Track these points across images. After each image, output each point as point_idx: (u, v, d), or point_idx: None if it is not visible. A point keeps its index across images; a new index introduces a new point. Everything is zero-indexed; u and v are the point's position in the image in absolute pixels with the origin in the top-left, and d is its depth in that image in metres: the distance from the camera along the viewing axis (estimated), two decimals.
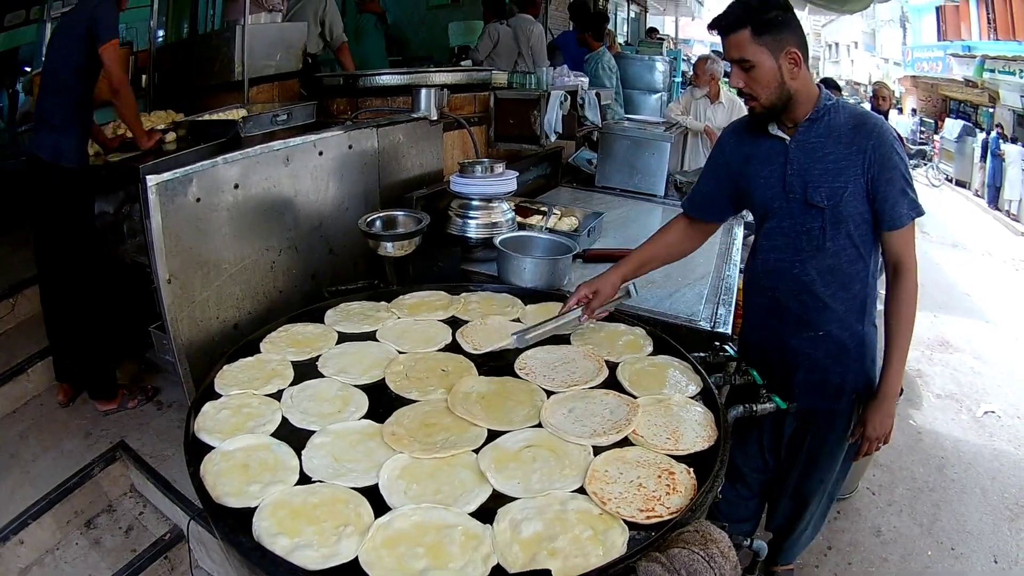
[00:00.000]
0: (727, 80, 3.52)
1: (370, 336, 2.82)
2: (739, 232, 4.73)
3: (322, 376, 2.50)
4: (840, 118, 2.59)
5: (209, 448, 2.05)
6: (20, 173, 4.15)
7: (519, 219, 4.22)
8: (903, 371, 2.78)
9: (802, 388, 2.84)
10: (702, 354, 2.75)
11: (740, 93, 2.66)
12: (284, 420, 2.21)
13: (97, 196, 4.50)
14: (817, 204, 2.59)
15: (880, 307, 2.80)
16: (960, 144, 22.43)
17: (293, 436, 2.11)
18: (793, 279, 2.72)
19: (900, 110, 27.91)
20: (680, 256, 3.09)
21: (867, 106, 10.61)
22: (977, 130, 22.22)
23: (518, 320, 3.00)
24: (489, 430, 2.18)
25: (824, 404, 2.89)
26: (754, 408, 2.50)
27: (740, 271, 3.84)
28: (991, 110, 23.15)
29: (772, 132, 2.68)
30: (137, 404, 4.53)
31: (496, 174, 3.85)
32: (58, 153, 4.00)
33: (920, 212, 2.60)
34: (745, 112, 2.78)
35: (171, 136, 4.59)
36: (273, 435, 2.12)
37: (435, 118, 4.52)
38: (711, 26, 2.58)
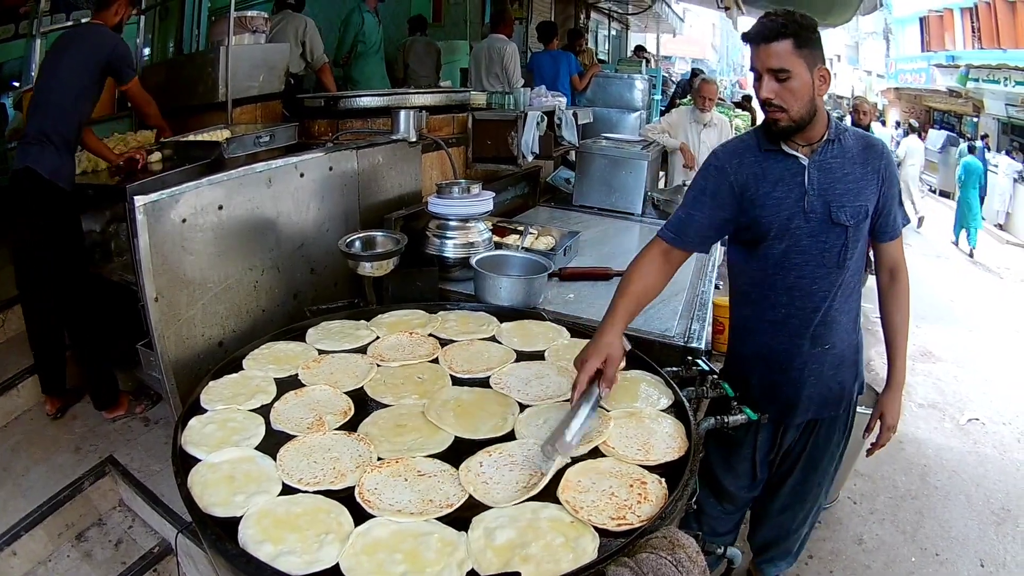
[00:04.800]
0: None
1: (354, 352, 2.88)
2: (717, 249, 4.76)
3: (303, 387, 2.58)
4: (849, 140, 2.65)
5: (196, 460, 2.10)
6: (5, 189, 4.22)
7: (496, 239, 4.24)
8: (906, 359, 2.95)
9: (807, 403, 2.89)
10: (675, 368, 2.79)
11: (766, 105, 2.54)
12: (267, 433, 2.26)
13: (84, 215, 4.56)
14: (842, 223, 2.61)
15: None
16: (944, 155, 22.51)
17: (277, 449, 2.15)
18: (810, 296, 2.71)
19: (883, 123, 27.97)
20: (660, 292, 2.86)
21: (848, 120, 10.68)
22: (961, 140, 22.26)
23: (494, 338, 3.03)
24: (456, 436, 2.27)
25: (827, 412, 2.95)
26: (726, 420, 2.57)
27: (716, 287, 3.87)
28: (975, 119, 23.26)
29: (788, 151, 2.63)
30: (144, 409, 4.63)
31: (473, 195, 3.87)
32: (57, 172, 4.09)
33: (908, 219, 2.77)
34: (731, 135, 2.74)
35: (156, 156, 4.66)
36: (257, 448, 2.17)
37: (414, 139, 4.55)
38: (747, 35, 2.52)
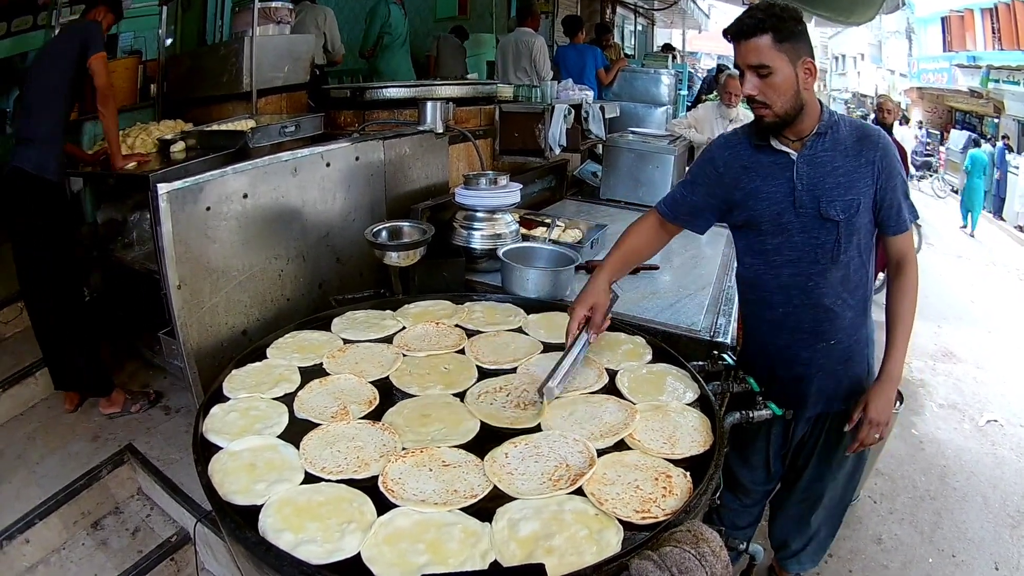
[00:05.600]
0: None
1: (380, 341, 2.88)
2: None
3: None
4: (843, 131, 2.60)
5: (217, 448, 2.09)
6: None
7: (524, 231, 4.24)
8: (905, 356, 2.80)
9: (816, 396, 2.86)
10: (701, 363, 2.78)
11: (751, 101, 2.56)
12: (291, 422, 2.26)
13: (106, 203, 4.56)
14: (832, 218, 2.58)
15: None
16: (965, 155, 22.34)
17: (300, 438, 2.15)
18: (807, 292, 2.70)
19: (907, 122, 27.73)
20: (652, 255, 3.17)
21: (872, 119, 10.62)
22: (982, 140, 22.10)
23: (520, 330, 3.03)
24: (481, 425, 2.27)
25: (836, 406, 2.90)
26: (750, 415, 2.56)
27: None
28: (996, 120, 23.08)
29: (776, 147, 2.64)
30: (140, 409, 4.61)
31: (500, 186, 3.88)
32: (42, 166, 4.11)
33: (917, 215, 2.71)
34: None
35: (180, 146, 4.66)
36: (280, 437, 2.17)
37: (441, 131, 4.54)
38: (728, 31, 2.54)
